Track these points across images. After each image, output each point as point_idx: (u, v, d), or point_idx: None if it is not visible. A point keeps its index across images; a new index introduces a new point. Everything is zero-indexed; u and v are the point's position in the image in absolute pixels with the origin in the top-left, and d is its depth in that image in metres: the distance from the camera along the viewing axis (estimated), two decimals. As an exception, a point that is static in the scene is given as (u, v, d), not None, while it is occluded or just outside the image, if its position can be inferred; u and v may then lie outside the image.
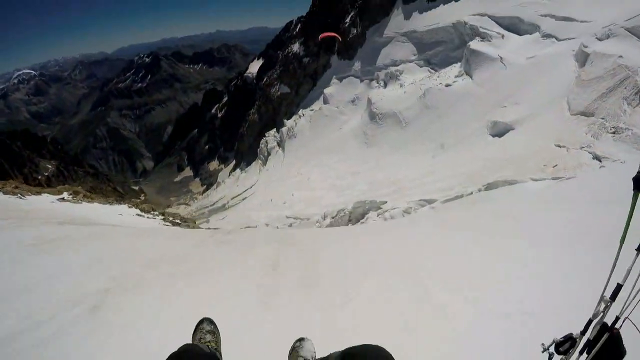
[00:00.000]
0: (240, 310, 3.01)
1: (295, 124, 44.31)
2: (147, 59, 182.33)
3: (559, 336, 1.13)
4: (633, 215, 1.05)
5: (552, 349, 1.12)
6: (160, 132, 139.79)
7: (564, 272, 3.45)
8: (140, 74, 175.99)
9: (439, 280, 3.58)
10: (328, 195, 24.62)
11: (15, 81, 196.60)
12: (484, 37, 27.50)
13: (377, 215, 15.46)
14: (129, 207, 12.73)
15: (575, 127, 14.25)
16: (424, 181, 17.71)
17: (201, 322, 1.77)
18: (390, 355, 1.06)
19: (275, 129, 49.63)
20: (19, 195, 10.58)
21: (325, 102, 41.53)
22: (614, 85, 14.65)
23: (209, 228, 18.03)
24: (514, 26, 26.76)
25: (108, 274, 3.65)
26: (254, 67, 78.67)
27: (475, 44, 26.97)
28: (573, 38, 20.26)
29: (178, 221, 12.69)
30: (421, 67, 33.14)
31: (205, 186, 70.90)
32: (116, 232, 6.47)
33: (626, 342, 1.03)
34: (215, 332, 1.73)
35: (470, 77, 26.14)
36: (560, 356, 1.13)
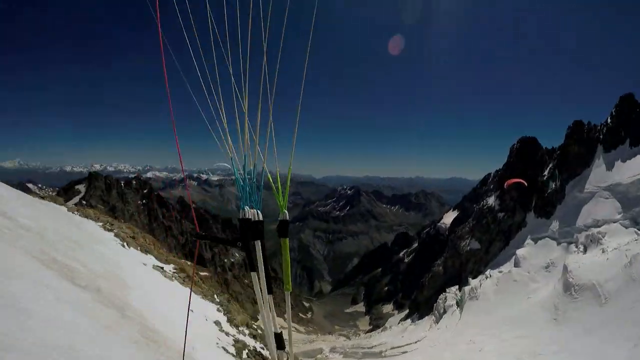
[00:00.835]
0: None
1: (480, 284, 39.88)
2: (349, 191, 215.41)
3: None
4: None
5: None
6: (346, 262, 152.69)
7: None
8: (341, 203, 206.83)
9: None
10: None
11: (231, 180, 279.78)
12: None
13: None
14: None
15: None
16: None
17: None
18: None
19: (457, 286, 46.09)
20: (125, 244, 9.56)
21: (517, 264, 36.67)
22: None
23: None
24: None
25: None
26: (449, 217, 79.96)
27: None
28: None
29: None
30: (627, 227, 28.63)
31: (372, 326, 68.95)
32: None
33: None
34: None
35: None
36: None
